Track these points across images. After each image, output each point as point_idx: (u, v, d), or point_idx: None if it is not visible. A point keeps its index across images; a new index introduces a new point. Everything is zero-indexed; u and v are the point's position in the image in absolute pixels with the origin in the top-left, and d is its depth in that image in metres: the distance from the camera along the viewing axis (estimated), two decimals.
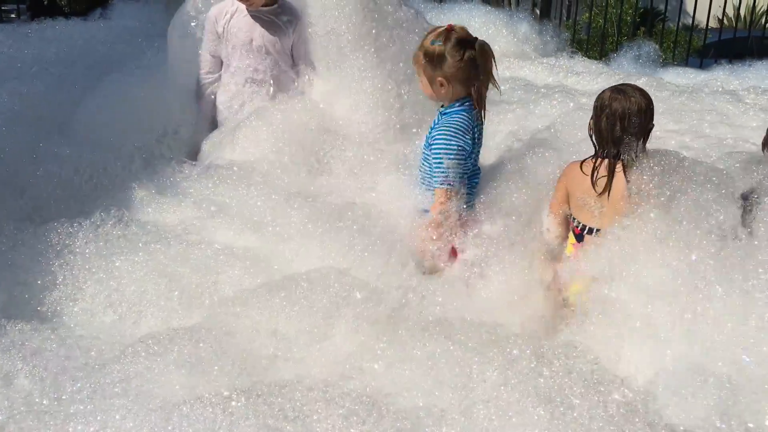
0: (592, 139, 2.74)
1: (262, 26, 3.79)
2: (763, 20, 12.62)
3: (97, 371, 2.12)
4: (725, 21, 9.50)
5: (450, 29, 2.84)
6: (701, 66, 7.96)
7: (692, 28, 9.52)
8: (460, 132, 2.84)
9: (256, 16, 3.78)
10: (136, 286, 2.61)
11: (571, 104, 4.99)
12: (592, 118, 2.73)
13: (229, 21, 3.80)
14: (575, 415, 1.80)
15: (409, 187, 3.05)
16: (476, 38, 2.86)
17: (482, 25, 7.47)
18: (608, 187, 2.64)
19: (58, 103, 4.08)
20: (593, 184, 2.67)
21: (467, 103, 2.89)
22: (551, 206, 2.87)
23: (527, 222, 2.81)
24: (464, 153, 2.85)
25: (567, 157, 3.02)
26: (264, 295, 2.44)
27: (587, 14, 10.60)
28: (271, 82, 3.85)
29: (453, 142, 2.82)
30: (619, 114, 2.60)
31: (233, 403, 1.86)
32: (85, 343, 2.34)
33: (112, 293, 2.60)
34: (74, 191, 3.50)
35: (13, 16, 7.86)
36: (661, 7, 9.90)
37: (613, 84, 2.78)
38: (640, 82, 5.65)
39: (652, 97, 2.74)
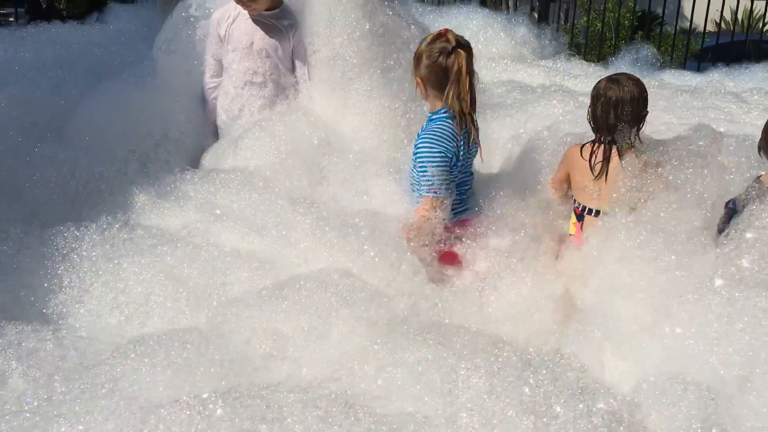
0: (591, 126, 2.94)
1: (263, 30, 3.80)
2: (761, 24, 12.64)
3: (89, 372, 2.13)
4: (723, 25, 9.51)
5: (442, 33, 2.82)
6: (699, 70, 7.96)
7: (690, 31, 9.52)
8: (443, 139, 2.82)
9: (257, 20, 3.80)
10: (142, 288, 2.63)
11: (570, 105, 4.97)
12: (590, 106, 2.92)
13: (231, 24, 3.83)
14: (560, 423, 1.80)
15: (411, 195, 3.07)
16: (463, 46, 2.80)
17: (480, 28, 7.48)
18: (603, 171, 2.83)
19: (54, 107, 4.08)
20: (591, 168, 2.86)
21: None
22: (552, 183, 3.12)
23: (536, 237, 2.88)
24: (448, 160, 2.83)
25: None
26: (266, 296, 2.45)
27: (585, 18, 10.61)
28: (271, 85, 3.86)
29: (436, 149, 2.80)
30: (613, 102, 2.79)
31: (210, 405, 1.85)
32: (82, 343, 2.35)
33: (118, 295, 2.63)
34: (71, 195, 3.51)
35: (11, 19, 7.87)
36: (659, 10, 9.91)
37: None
38: None
39: (655, 97, 2.83)
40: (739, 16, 15.67)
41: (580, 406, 1.86)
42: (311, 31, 3.69)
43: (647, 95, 2.85)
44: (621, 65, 7.94)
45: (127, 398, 2.00)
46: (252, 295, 2.49)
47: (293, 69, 3.90)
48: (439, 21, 7.18)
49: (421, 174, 2.85)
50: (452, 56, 2.75)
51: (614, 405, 1.90)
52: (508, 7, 10.98)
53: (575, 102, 4.99)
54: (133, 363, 2.12)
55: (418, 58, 2.85)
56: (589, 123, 2.94)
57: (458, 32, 2.86)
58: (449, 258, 2.92)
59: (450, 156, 2.83)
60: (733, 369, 2.00)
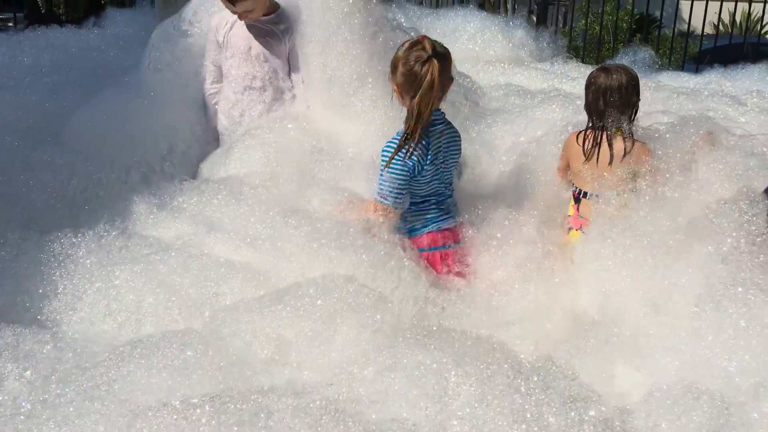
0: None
1: (261, 35, 3.80)
2: (759, 26, 12.63)
3: (85, 374, 2.13)
4: (721, 27, 9.50)
5: (419, 40, 2.80)
6: (697, 71, 7.96)
7: (688, 34, 9.53)
8: (395, 149, 2.80)
9: (254, 26, 3.80)
10: (135, 296, 2.62)
11: (569, 110, 4.95)
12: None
13: (230, 30, 3.83)
14: (551, 431, 1.79)
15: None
16: (440, 55, 2.76)
17: (477, 30, 7.44)
18: (593, 154, 3.03)
19: (51, 112, 4.09)
20: (584, 152, 3.06)
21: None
22: (558, 170, 3.31)
23: (546, 252, 2.92)
24: (407, 170, 2.81)
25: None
26: (267, 301, 2.44)
27: (583, 21, 10.62)
28: (270, 89, 3.87)
29: (396, 157, 2.80)
30: (602, 89, 3.01)
31: (198, 410, 1.84)
32: (79, 347, 2.35)
33: (111, 302, 2.62)
34: (68, 201, 3.51)
35: (10, 24, 7.87)
36: (657, 13, 9.91)
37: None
38: None
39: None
40: (737, 19, 15.69)
41: (572, 414, 1.85)
42: (307, 52, 3.70)
43: (638, 84, 3.03)
44: None
45: (120, 401, 1.99)
46: (253, 300, 2.49)
47: (290, 72, 3.90)
48: (436, 23, 7.17)
49: (379, 175, 2.86)
50: (426, 66, 2.72)
51: (606, 413, 1.89)
52: (506, 10, 10.97)
53: (574, 106, 4.98)
54: (130, 365, 2.11)
55: (394, 66, 2.84)
56: (585, 110, 3.15)
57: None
58: (444, 263, 2.94)
59: (410, 166, 2.82)
60: (749, 376, 1.99)
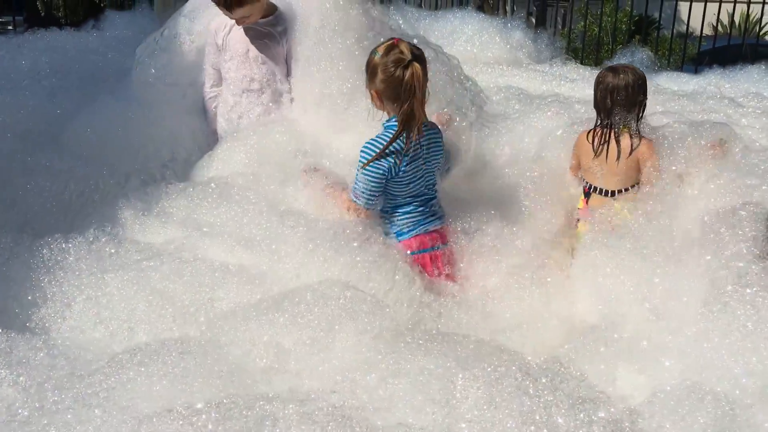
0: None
1: (259, 37, 3.80)
2: (757, 28, 12.65)
3: (81, 381, 2.10)
4: (719, 28, 9.51)
5: (394, 44, 2.77)
6: (696, 73, 7.96)
7: (687, 35, 9.54)
8: (381, 150, 2.78)
9: (252, 28, 3.79)
10: (126, 303, 2.58)
11: (566, 117, 4.94)
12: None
13: (228, 34, 3.82)
14: None
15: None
16: (418, 57, 2.75)
17: (475, 32, 7.43)
18: (602, 151, 3.18)
19: (50, 115, 4.07)
20: (593, 149, 3.21)
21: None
22: (570, 169, 3.45)
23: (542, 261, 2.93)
24: (382, 173, 2.80)
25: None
26: (265, 308, 2.41)
27: (582, 23, 10.62)
28: (268, 91, 3.85)
29: (371, 157, 2.79)
30: (610, 88, 3.15)
31: (203, 416, 1.82)
32: (72, 354, 2.32)
33: (101, 310, 2.58)
34: (64, 206, 3.48)
35: (9, 28, 7.86)
36: (656, 15, 9.92)
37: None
38: None
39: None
40: (736, 20, 15.72)
41: (581, 415, 1.83)
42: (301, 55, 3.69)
43: (644, 83, 3.17)
44: None
45: (121, 408, 1.97)
46: (250, 307, 2.46)
47: (288, 74, 3.90)
48: (435, 25, 7.16)
49: (356, 178, 2.88)
50: (408, 70, 2.70)
51: (615, 414, 1.87)
52: (505, 12, 10.98)
53: (574, 111, 4.97)
54: (129, 372, 2.09)
55: (372, 72, 2.81)
56: (594, 108, 3.29)
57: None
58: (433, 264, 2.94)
59: (385, 168, 2.81)
60: (755, 378, 1.98)
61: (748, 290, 2.24)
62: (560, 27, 11.83)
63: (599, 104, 3.22)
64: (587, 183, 3.31)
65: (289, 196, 3.16)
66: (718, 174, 2.99)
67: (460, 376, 1.95)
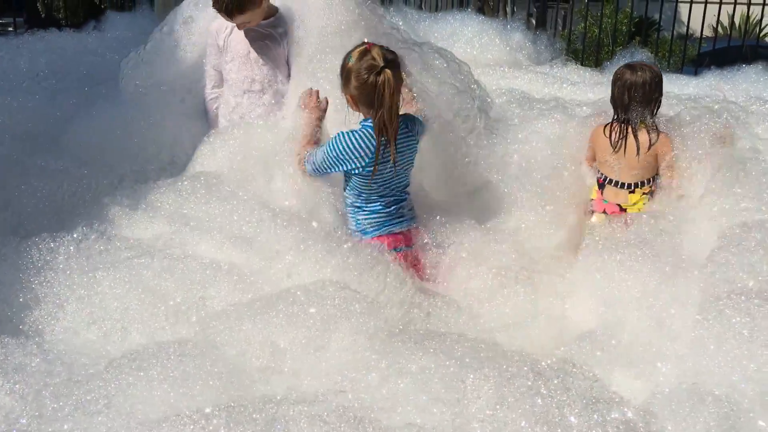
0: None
1: (260, 38, 3.79)
2: (757, 29, 12.67)
3: (80, 387, 2.07)
4: (719, 30, 9.52)
5: (367, 49, 2.78)
6: (696, 74, 7.96)
7: (687, 37, 9.54)
8: (352, 147, 2.83)
9: (253, 29, 3.78)
10: (119, 303, 2.55)
11: (566, 124, 4.91)
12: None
13: (229, 35, 3.81)
14: None
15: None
16: (391, 63, 2.77)
17: (475, 34, 7.42)
18: (620, 145, 3.30)
19: (49, 116, 4.04)
20: (611, 143, 3.33)
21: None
22: (586, 160, 3.56)
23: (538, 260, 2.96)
24: (339, 161, 2.86)
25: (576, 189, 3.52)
26: (259, 308, 2.39)
27: (582, 24, 10.62)
28: (269, 92, 3.84)
29: (340, 147, 2.84)
30: (627, 85, 3.28)
31: (214, 420, 1.80)
32: (68, 358, 2.29)
33: (94, 310, 2.54)
34: (56, 206, 3.44)
35: (10, 29, 7.85)
36: (656, 16, 9.93)
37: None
38: None
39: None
40: (736, 21, 15.76)
41: (594, 416, 1.81)
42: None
43: (661, 81, 3.31)
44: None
45: (124, 414, 1.94)
46: (244, 308, 2.44)
47: (289, 75, 3.88)
48: (434, 27, 7.15)
49: (320, 148, 2.94)
50: (381, 76, 2.72)
51: (629, 415, 1.85)
52: (505, 13, 10.97)
53: (573, 115, 4.95)
54: (128, 377, 2.07)
55: (346, 77, 2.84)
56: (611, 104, 3.42)
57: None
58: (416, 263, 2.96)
59: (345, 160, 2.86)
60: (754, 385, 1.96)
61: (743, 298, 2.23)
62: (560, 28, 11.83)
63: (617, 100, 3.34)
64: (602, 174, 3.43)
65: (277, 193, 3.13)
66: (719, 191, 3.00)
67: (471, 376, 1.92)
